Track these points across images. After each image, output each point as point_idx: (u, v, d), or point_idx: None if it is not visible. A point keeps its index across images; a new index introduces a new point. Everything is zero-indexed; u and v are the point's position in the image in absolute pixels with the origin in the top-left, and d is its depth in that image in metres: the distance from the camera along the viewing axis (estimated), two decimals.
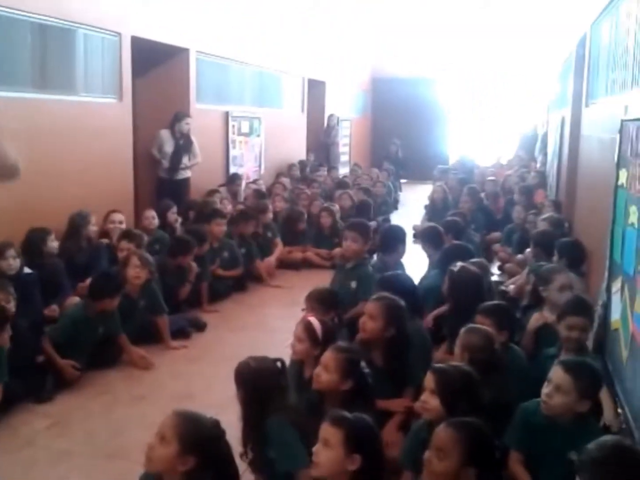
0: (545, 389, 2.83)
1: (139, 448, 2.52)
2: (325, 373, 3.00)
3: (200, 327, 5.52)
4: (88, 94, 6.66)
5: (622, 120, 3.84)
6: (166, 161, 8.06)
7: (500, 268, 7.30)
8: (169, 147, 8.05)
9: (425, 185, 13.87)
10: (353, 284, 4.86)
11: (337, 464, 2.35)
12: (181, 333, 5.28)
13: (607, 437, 2.42)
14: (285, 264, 7.64)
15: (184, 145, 8.12)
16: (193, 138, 8.22)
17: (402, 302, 3.66)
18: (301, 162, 12.48)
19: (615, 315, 3.61)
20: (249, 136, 10.53)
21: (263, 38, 10.74)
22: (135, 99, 7.57)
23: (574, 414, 2.79)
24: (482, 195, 9.52)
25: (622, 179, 3.72)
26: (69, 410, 4.01)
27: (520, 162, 14.29)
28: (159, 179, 8.16)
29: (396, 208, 12.53)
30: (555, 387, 2.79)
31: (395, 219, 10.49)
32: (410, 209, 11.94)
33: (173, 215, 7.17)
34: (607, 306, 3.87)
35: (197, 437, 2.40)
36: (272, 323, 5.75)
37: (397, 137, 16.87)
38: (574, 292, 4.02)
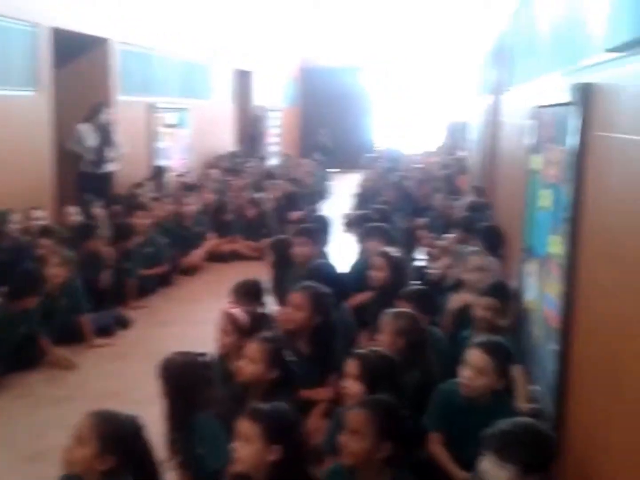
0: (465, 372, 2.85)
1: (61, 450, 2.46)
2: (250, 364, 2.99)
3: (125, 324, 5.41)
4: (3, 86, 6.43)
5: (535, 107, 3.95)
6: (91, 155, 7.85)
7: (428, 253, 7.42)
8: (91, 141, 7.85)
9: (354, 173, 13.94)
10: None
11: (257, 458, 2.32)
12: (105, 331, 5.16)
13: (523, 418, 2.49)
14: (213, 256, 7.57)
15: (106, 137, 7.93)
16: (113, 128, 8.03)
17: (327, 290, 3.70)
18: (231, 153, 12.37)
19: (530, 296, 3.74)
20: (175, 128, 10.36)
21: (188, 28, 10.58)
22: (56, 92, 7.35)
23: (492, 392, 2.85)
24: (410, 182, 9.66)
25: (536, 164, 3.84)
26: None
27: (447, 150, 14.59)
28: (81, 174, 7.95)
29: (323, 197, 12.50)
30: (477, 369, 2.82)
31: (326, 208, 10.53)
32: (340, 198, 11.98)
33: (97, 209, 7.01)
34: (522, 288, 4.00)
35: (115, 436, 2.36)
36: (200, 316, 5.66)
37: (323, 127, 16.96)
38: (491, 274, 4.12)
